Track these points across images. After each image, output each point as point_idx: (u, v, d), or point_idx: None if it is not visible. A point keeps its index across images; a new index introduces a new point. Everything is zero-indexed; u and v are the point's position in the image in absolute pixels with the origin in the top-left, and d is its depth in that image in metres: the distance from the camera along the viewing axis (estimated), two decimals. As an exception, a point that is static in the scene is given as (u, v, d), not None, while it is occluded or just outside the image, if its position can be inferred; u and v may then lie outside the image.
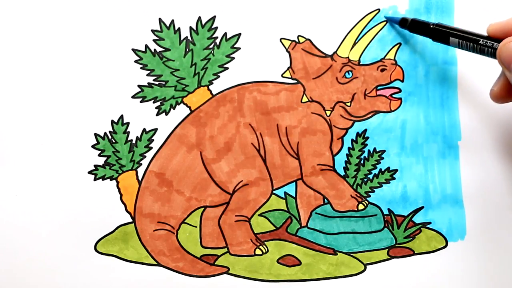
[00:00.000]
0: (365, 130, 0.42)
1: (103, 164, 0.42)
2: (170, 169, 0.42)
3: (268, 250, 0.43)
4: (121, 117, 0.41)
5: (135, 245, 0.42)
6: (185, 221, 0.43)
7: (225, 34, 0.41)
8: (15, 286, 0.42)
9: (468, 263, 0.43)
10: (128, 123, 0.41)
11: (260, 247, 0.43)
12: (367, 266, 0.43)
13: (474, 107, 0.42)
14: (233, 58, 0.41)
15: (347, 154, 0.42)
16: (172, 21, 0.41)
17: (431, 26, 0.38)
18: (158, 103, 0.41)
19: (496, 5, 0.41)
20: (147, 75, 0.41)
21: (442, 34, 0.38)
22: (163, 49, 0.41)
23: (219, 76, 0.41)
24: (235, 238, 0.43)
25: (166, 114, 0.42)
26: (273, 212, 0.43)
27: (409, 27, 0.40)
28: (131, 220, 0.42)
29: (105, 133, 0.41)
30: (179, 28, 0.41)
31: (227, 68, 0.41)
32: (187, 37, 0.41)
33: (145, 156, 0.42)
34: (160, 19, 0.41)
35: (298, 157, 0.42)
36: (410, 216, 0.43)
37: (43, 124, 0.41)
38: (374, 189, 0.43)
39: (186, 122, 0.42)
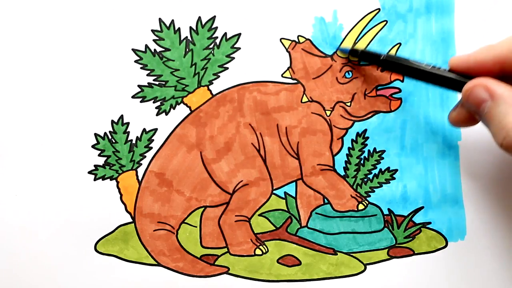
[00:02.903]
0: (365, 130, 0.42)
1: (103, 164, 0.42)
2: (170, 169, 0.42)
3: (268, 250, 0.43)
4: (121, 117, 0.41)
5: (135, 245, 0.42)
6: (185, 221, 0.43)
7: (225, 34, 0.41)
8: (15, 286, 0.42)
9: (468, 263, 0.43)
10: (128, 123, 0.41)
11: (260, 247, 0.43)
12: (367, 266, 0.43)
13: (474, 107, 0.42)
14: (233, 58, 0.41)
15: (347, 154, 0.42)
16: (172, 21, 0.41)
17: (381, 58, 0.38)
18: (158, 103, 0.41)
19: (496, 5, 0.41)
20: (147, 75, 0.41)
21: (394, 66, 0.38)
22: (163, 49, 0.41)
23: (219, 76, 0.41)
24: (235, 238, 0.43)
25: (166, 114, 0.42)
26: (273, 212, 0.43)
27: (359, 57, 0.40)
28: (131, 220, 0.42)
29: (105, 133, 0.41)
30: (179, 28, 0.41)
31: (227, 68, 0.41)
32: (187, 37, 0.41)
33: (145, 156, 0.42)
34: (160, 19, 0.41)
35: (298, 157, 0.42)
36: (410, 216, 0.43)
37: (43, 124, 0.41)
38: (374, 189, 0.43)
39: (186, 122, 0.42)
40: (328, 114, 0.42)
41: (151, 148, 0.42)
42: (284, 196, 0.43)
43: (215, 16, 0.41)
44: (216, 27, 0.41)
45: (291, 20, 0.41)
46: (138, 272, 0.43)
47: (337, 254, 0.43)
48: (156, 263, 0.43)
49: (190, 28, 0.41)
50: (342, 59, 0.41)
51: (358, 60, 0.40)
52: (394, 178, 0.43)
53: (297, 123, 0.42)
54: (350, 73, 0.41)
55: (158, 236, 0.42)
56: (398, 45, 0.41)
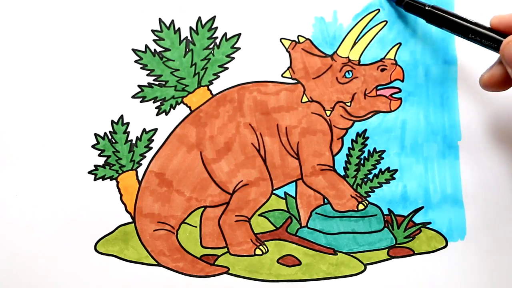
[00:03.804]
0: (365, 130, 0.42)
1: (103, 164, 0.42)
2: (170, 169, 0.42)
3: (268, 250, 0.43)
4: (121, 117, 0.41)
5: (135, 245, 0.42)
6: (185, 221, 0.43)
7: (225, 34, 0.41)
8: (15, 286, 0.42)
9: (468, 263, 0.43)
10: (128, 123, 0.41)
11: (260, 247, 0.43)
12: (367, 266, 0.43)
13: (474, 107, 0.42)
14: (233, 58, 0.41)
15: (347, 154, 0.42)
16: (172, 21, 0.41)
17: (426, 8, 0.38)
18: (158, 103, 0.41)
19: (496, 5, 0.41)
20: (147, 75, 0.41)
21: (437, 17, 0.37)
22: (163, 49, 0.41)
23: (219, 76, 0.41)
24: (235, 238, 0.43)
25: (166, 114, 0.42)
26: (273, 212, 0.43)
27: (405, 6, 0.39)
28: (131, 220, 0.42)
29: (105, 133, 0.41)
30: (179, 28, 0.41)
31: (227, 68, 0.41)
32: (187, 37, 0.41)
33: (145, 156, 0.42)
34: (160, 19, 0.41)
35: (298, 157, 0.42)
36: (410, 216, 0.43)
37: (43, 124, 0.41)
38: (374, 189, 0.43)
39: (186, 122, 0.42)
40: (328, 114, 0.42)
41: (151, 148, 0.42)
42: (284, 196, 0.43)
43: (215, 16, 0.41)
44: (216, 27, 0.41)
45: (291, 20, 0.41)
46: (138, 272, 0.43)
47: (337, 254, 0.43)
48: (156, 263, 0.43)
49: (190, 28, 0.41)
50: (342, 59, 0.41)
51: (404, 9, 0.39)
52: (394, 178, 0.43)
53: (297, 123, 0.42)
54: (350, 73, 0.41)
55: (158, 236, 0.42)
56: (398, 45, 0.41)
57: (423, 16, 0.38)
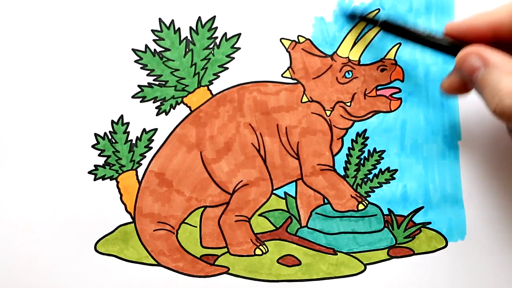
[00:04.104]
0: (365, 130, 0.42)
1: (103, 164, 0.42)
2: (170, 169, 0.42)
3: (268, 250, 0.43)
4: (121, 117, 0.41)
5: (135, 245, 0.42)
6: (185, 221, 0.43)
7: (225, 34, 0.41)
8: (15, 286, 0.42)
9: (468, 263, 0.43)
10: (128, 123, 0.41)
11: (260, 247, 0.43)
12: (367, 266, 0.43)
13: (474, 107, 0.42)
14: (233, 58, 0.41)
15: (347, 154, 0.42)
16: (172, 21, 0.41)
17: (379, 22, 0.39)
18: (158, 103, 0.41)
19: (496, 5, 0.41)
20: (147, 75, 0.41)
21: (391, 28, 0.38)
22: (163, 49, 0.41)
23: (219, 76, 0.41)
24: (235, 238, 0.43)
25: (166, 114, 0.42)
26: (273, 212, 0.43)
27: (359, 20, 0.40)
28: (131, 220, 0.42)
29: (105, 133, 0.41)
30: (179, 28, 0.41)
31: (227, 68, 0.41)
32: (187, 37, 0.41)
33: (145, 156, 0.42)
34: (160, 19, 0.41)
35: (298, 157, 0.42)
36: (410, 216, 0.43)
37: (43, 124, 0.41)
38: (374, 189, 0.43)
39: (186, 122, 0.42)
40: (328, 114, 0.42)
41: (151, 148, 0.42)
42: (284, 196, 0.43)
43: (215, 16, 0.41)
44: (216, 27, 0.41)
45: (291, 20, 0.41)
46: (138, 272, 0.43)
47: (337, 254, 0.43)
48: (156, 263, 0.43)
49: (190, 28, 0.41)
50: (342, 59, 0.41)
51: (357, 22, 0.40)
52: (394, 178, 0.43)
53: (297, 123, 0.42)
54: (350, 73, 0.41)
55: (158, 236, 0.42)
56: (398, 45, 0.41)
57: (378, 26, 0.39)
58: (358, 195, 0.43)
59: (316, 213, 0.43)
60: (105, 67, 0.41)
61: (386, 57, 0.41)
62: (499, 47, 0.33)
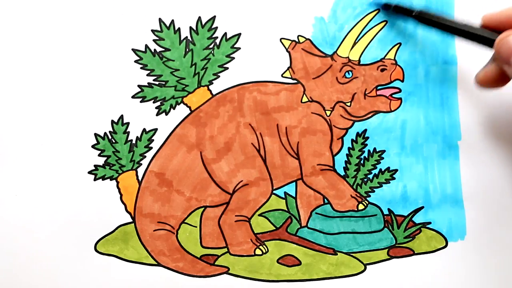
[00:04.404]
0: (365, 130, 0.42)
1: (103, 164, 0.42)
2: (170, 169, 0.42)
3: (268, 250, 0.43)
4: (121, 117, 0.41)
5: (135, 245, 0.42)
6: (185, 221, 0.43)
7: (225, 34, 0.41)
8: (15, 286, 0.42)
9: (468, 263, 0.43)
10: (128, 123, 0.41)
11: (260, 247, 0.43)
12: (367, 266, 0.43)
13: (474, 107, 0.42)
14: (233, 58, 0.41)
15: (347, 154, 0.42)
16: (172, 21, 0.41)
17: (413, 14, 0.38)
18: (158, 103, 0.41)
19: (496, 5, 0.41)
20: (147, 75, 0.41)
21: (426, 20, 0.38)
22: (163, 49, 0.41)
23: (219, 76, 0.41)
24: (235, 238, 0.43)
25: (166, 114, 0.42)
26: (273, 212, 0.43)
27: (394, 10, 0.40)
28: (131, 220, 0.42)
29: (105, 133, 0.41)
30: (179, 28, 0.41)
31: (227, 68, 0.41)
32: (187, 37, 0.41)
33: (145, 156, 0.42)
34: (160, 19, 0.41)
35: (298, 157, 0.42)
36: (410, 216, 0.43)
37: (43, 124, 0.41)
38: (374, 189, 0.43)
39: (186, 122, 0.42)
40: (328, 114, 0.42)
41: (151, 148, 0.42)
42: (284, 196, 0.43)
43: (215, 16, 0.41)
44: (216, 27, 0.41)
45: (291, 20, 0.41)
46: (138, 272, 0.43)
47: (337, 254, 0.43)
48: (156, 263, 0.43)
49: (190, 28, 0.41)
50: (342, 59, 0.41)
51: (391, 13, 0.40)
52: (394, 178, 0.43)
53: (297, 123, 0.42)
54: (350, 73, 0.41)
55: (158, 236, 0.42)
56: (398, 45, 0.41)
57: (413, 18, 0.38)
58: (358, 195, 0.43)
59: (316, 213, 0.43)
60: (105, 67, 0.41)
61: (386, 57, 0.41)
62: None
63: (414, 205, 0.43)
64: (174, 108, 0.42)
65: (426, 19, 0.38)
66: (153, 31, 0.41)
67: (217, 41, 0.41)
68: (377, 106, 0.42)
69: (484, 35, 0.35)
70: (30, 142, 0.41)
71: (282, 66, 0.42)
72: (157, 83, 0.41)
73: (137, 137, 0.42)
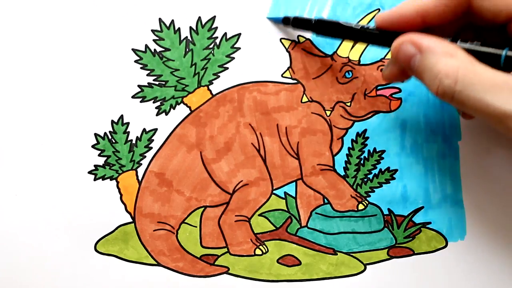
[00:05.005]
0: (365, 130, 0.42)
1: (103, 164, 0.42)
2: (170, 169, 0.42)
3: (268, 250, 0.43)
4: (121, 117, 0.41)
5: (135, 245, 0.42)
6: (185, 221, 0.43)
7: (225, 34, 0.41)
8: (15, 286, 0.42)
9: (468, 263, 0.43)
10: (128, 123, 0.41)
11: (260, 247, 0.43)
12: (367, 266, 0.43)
13: (474, 107, 0.42)
14: (233, 58, 0.41)
15: (347, 154, 0.42)
16: (172, 21, 0.41)
17: (313, 22, 0.38)
18: (158, 103, 0.41)
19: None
20: (147, 75, 0.41)
21: (325, 28, 0.37)
22: (163, 49, 0.41)
23: (219, 76, 0.41)
24: (235, 238, 0.43)
25: (166, 114, 0.42)
26: (273, 212, 0.43)
27: (292, 24, 0.39)
28: (131, 220, 0.42)
29: (105, 133, 0.41)
30: (179, 28, 0.41)
31: (227, 68, 0.41)
32: (187, 37, 0.41)
33: (145, 156, 0.42)
34: (160, 19, 0.41)
35: (298, 157, 0.42)
36: (410, 216, 0.43)
37: (43, 124, 0.41)
38: (374, 189, 0.43)
39: (186, 122, 0.42)
40: (328, 114, 0.42)
41: (151, 148, 0.42)
42: (284, 196, 0.43)
43: (215, 16, 0.41)
44: (216, 27, 0.41)
45: (291, 20, 0.41)
46: (138, 272, 0.43)
47: (337, 254, 0.43)
48: (156, 263, 0.43)
49: (190, 28, 0.41)
50: (342, 59, 0.41)
51: (291, 26, 0.39)
52: (394, 178, 0.43)
53: (297, 123, 0.42)
54: (350, 73, 0.41)
55: (158, 236, 0.42)
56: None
57: (311, 29, 0.38)
58: (358, 195, 0.43)
59: (316, 213, 0.43)
60: (105, 67, 0.41)
61: (386, 57, 0.41)
62: (431, 33, 0.33)
63: (414, 205, 0.43)
64: (174, 108, 0.42)
65: (324, 28, 0.37)
66: (153, 31, 0.41)
67: (217, 41, 0.41)
68: (377, 106, 0.42)
69: (380, 39, 0.35)
70: (30, 142, 0.41)
71: (282, 66, 0.42)
72: (157, 83, 0.41)
73: (137, 137, 0.42)
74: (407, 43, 0.33)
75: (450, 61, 0.30)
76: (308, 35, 0.41)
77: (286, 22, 0.40)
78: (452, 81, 0.30)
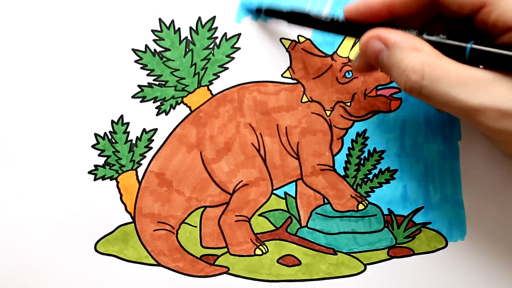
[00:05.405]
0: (365, 130, 0.42)
1: (103, 164, 0.42)
2: (170, 169, 0.42)
3: (268, 250, 0.43)
4: (121, 117, 0.41)
5: (135, 245, 0.42)
6: (185, 221, 0.43)
7: (225, 34, 0.41)
8: (15, 286, 0.42)
9: (468, 263, 0.43)
10: (128, 123, 0.41)
11: (260, 247, 0.43)
12: (367, 266, 0.43)
13: (474, 107, 0.42)
14: (233, 58, 0.41)
15: (347, 154, 0.42)
16: (172, 21, 0.41)
17: (284, 12, 0.38)
18: (158, 103, 0.41)
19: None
20: (147, 75, 0.41)
21: (296, 18, 0.38)
22: (163, 49, 0.41)
23: (219, 76, 0.41)
24: (235, 238, 0.43)
25: (166, 114, 0.42)
26: (273, 212, 0.43)
27: (265, 13, 0.40)
28: (131, 220, 0.42)
29: (105, 133, 0.41)
30: (179, 28, 0.41)
31: (227, 68, 0.41)
32: (187, 37, 0.41)
33: (145, 156, 0.42)
34: (160, 19, 0.41)
35: (298, 157, 0.42)
36: (410, 216, 0.43)
37: (43, 124, 0.41)
38: (374, 189, 0.43)
39: (186, 122, 0.42)
40: (328, 114, 0.42)
41: (151, 148, 0.42)
42: (284, 196, 0.43)
43: (215, 16, 0.41)
44: (216, 27, 0.41)
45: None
46: (138, 272, 0.43)
47: (337, 254, 0.43)
48: (156, 263, 0.43)
49: (190, 28, 0.41)
50: (342, 59, 0.41)
51: (265, 18, 0.40)
52: (394, 178, 0.43)
53: (297, 123, 0.42)
54: (350, 73, 0.41)
55: (158, 236, 0.42)
56: None
57: (283, 18, 0.38)
58: (358, 195, 0.43)
59: (316, 213, 0.43)
60: (105, 67, 0.41)
61: (386, 57, 0.41)
62: (398, 24, 0.33)
63: (414, 205, 0.43)
64: (174, 108, 0.42)
65: (295, 19, 0.38)
66: (153, 31, 0.41)
67: (217, 41, 0.41)
68: (377, 106, 0.42)
69: (348, 30, 0.35)
70: (30, 142, 0.41)
71: (282, 66, 0.42)
72: (157, 83, 0.41)
73: (137, 137, 0.42)
74: (373, 39, 0.32)
75: (416, 56, 0.30)
76: (308, 35, 0.41)
77: (259, 12, 0.40)
78: (418, 76, 0.30)
